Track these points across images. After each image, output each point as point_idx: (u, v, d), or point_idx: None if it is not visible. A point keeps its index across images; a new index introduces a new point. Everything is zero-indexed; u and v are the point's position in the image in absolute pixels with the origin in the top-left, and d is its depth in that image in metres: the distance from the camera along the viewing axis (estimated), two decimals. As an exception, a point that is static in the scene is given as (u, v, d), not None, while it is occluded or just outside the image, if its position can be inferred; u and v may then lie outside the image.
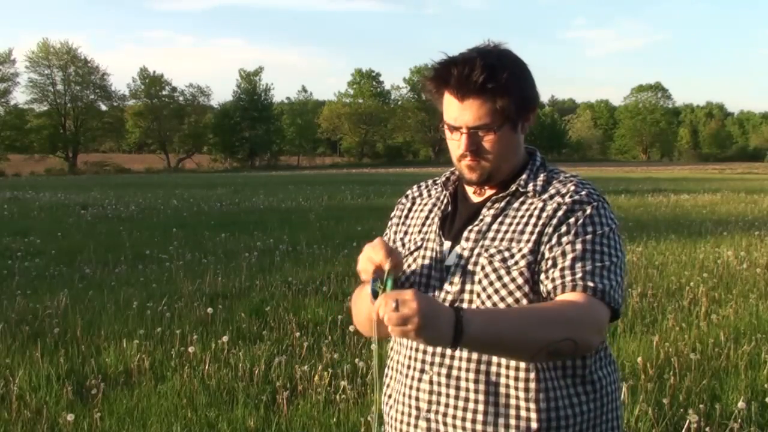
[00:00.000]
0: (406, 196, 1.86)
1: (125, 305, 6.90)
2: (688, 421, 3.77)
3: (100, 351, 5.53)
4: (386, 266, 1.46)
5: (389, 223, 1.86)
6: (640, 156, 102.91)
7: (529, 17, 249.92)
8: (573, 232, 1.56)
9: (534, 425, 1.56)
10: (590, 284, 1.51)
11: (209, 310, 6.47)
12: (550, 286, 1.54)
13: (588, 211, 1.58)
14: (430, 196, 1.81)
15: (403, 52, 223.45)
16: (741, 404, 4.06)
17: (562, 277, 1.53)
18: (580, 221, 1.57)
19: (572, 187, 1.62)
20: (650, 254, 10.09)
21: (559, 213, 1.58)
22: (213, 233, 12.89)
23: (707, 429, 3.96)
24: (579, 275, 1.52)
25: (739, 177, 44.71)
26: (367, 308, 1.61)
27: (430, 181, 1.86)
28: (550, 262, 1.55)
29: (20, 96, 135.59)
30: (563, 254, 1.54)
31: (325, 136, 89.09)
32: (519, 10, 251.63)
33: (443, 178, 1.80)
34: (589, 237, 1.56)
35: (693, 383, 4.73)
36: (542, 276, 1.56)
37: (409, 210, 1.82)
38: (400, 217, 1.84)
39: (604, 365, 1.67)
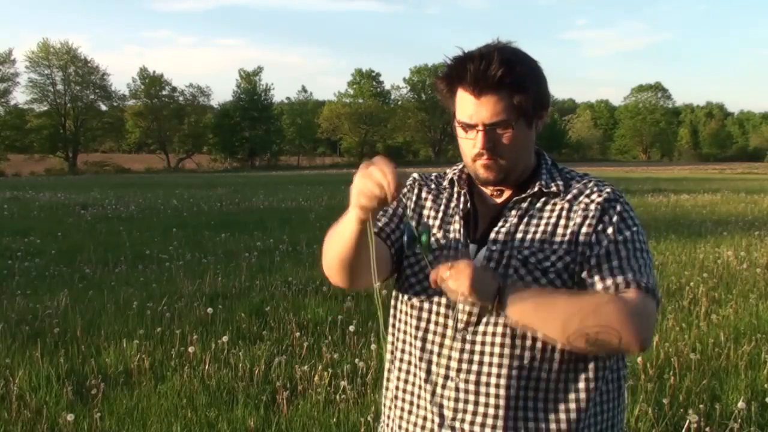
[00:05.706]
0: (413, 179, 1.76)
1: (125, 305, 6.91)
2: (688, 421, 3.78)
3: (100, 351, 5.53)
4: (390, 199, 1.34)
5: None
6: (640, 156, 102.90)
7: (530, 17, 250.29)
8: (611, 230, 1.55)
9: (564, 426, 1.55)
10: (642, 282, 1.50)
11: (209, 310, 6.47)
12: (600, 286, 1.51)
13: (618, 209, 1.57)
14: (438, 191, 1.73)
15: (403, 52, 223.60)
16: (741, 404, 4.07)
17: (613, 276, 1.51)
18: (615, 219, 1.56)
19: (594, 187, 1.62)
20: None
21: (592, 212, 1.56)
22: (213, 233, 12.90)
23: (707, 429, 3.96)
24: (630, 275, 1.51)
25: (739, 177, 44.73)
26: (344, 246, 1.51)
27: (433, 175, 1.78)
28: (593, 260, 1.53)
29: (20, 96, 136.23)
30: (608, 255, 1.53)
31: (325, 136, 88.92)
32: (520, 10, 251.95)
33: (451, 175, 1.72)
34: (628, 235, 1.55)
35: (693, 383, 4.73)
36: (586, 275, 1.53)
37: (418, 195, 1.73)
38: (412, 192, 1.74)
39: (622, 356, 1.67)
